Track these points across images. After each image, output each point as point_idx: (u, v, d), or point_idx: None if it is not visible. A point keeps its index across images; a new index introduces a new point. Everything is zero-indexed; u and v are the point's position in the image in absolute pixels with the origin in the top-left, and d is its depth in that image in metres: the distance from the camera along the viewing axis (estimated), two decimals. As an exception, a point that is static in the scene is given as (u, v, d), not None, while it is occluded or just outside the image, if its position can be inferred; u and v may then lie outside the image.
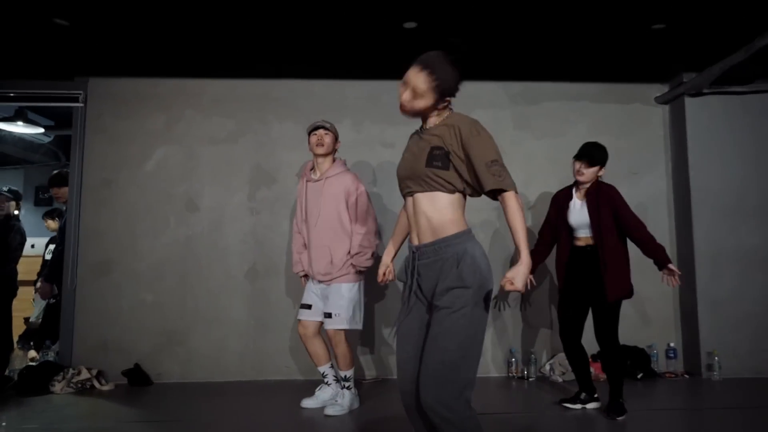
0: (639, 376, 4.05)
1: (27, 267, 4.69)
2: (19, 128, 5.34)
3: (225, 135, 4.37)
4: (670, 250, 4.41)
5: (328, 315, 3.20)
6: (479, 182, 1.79)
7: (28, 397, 3.63)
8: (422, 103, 1.86)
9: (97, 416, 3.28)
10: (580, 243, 3.23)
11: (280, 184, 4.33)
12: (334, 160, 3.36)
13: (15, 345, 4.88)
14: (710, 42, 3.85)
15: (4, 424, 3.08)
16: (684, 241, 4.33)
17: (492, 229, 4.38)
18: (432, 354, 1.72)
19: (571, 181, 3.46)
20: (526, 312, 4.26)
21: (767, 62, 3.72)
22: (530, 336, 4.32)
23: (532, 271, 3.34)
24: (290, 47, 4.05)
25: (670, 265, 3.06)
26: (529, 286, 3.31)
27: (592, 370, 3.97)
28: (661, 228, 4.43)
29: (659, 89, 4.54)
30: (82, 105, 4.30)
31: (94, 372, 3.92)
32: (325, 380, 3.36)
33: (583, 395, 3.27)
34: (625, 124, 4.52)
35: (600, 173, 3.23)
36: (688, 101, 4.29)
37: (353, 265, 3.21)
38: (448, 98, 1.90)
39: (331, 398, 3.30)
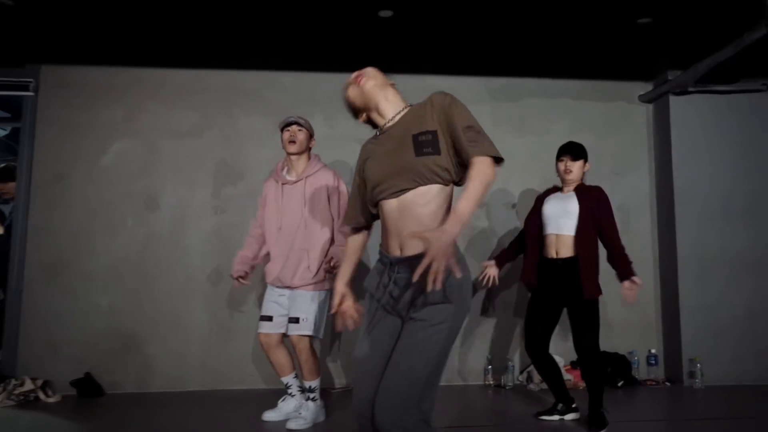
0: (619, 384, 3.91)
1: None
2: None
3: (188, 128, 4.12)
4: (652, 254, 4.29)
5: (295, 320, 3.00)
6: (463, 153, 1.59)
7: (-36, 411, 3.35)
8: (372, 80, 1.78)
9: (39, 432, 3.02)
10: (548, 251, 3.02)
11: (246, 181, 4.10)
12: (309, 158, 3.16)
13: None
14: (697, 37, 3.71)
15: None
16: (666, 244, 4.19)
17: (476, 229, 4.20)
18: (396, 368, 1.56)
19: (552, 180, 3.29)
20: (497, 315, 4.11)
21: (757, 58, 3.59)
22: (507, 343, 4.15)
23: (499, 266, 3.17)
24: (259, 36, 3.84)
25: (635, 278, 2.89)
26: (491, 283, 3.14)
27: (570, 377, 3.84)
28: (643, 230, 4.31)
29: (643, 87, 4.41)
30: (32, 94, 4.01)
31: (40, 382, 3.64)
32: (289, 391, 3.16)
33: (560, 406, 3.09)
34: (608, 123, 4.38)
35: (585, 169, 3.13)
36: (673, 100, 4.16)
37: (329, 270, 3.02)
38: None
39: (295, 410, 3.10)
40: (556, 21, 3.62)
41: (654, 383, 4.00)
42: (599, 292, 2.96)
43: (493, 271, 3.14)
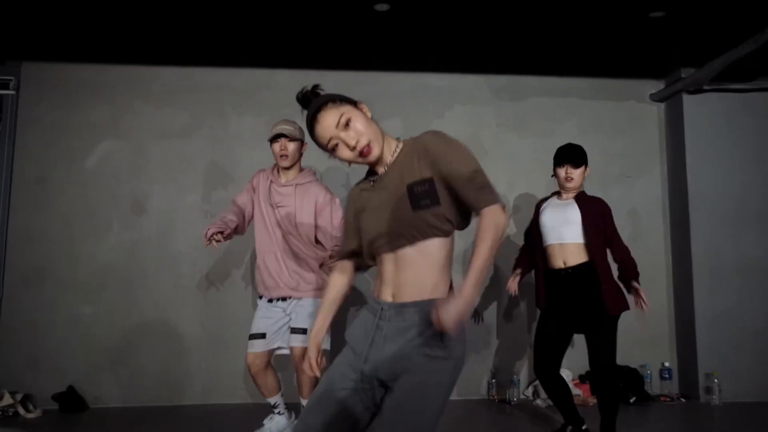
0: (632, 400, 3.69)
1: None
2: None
3: (177, 129, 3.95)
4: (665, 261, 4.09)
5: (301, 330, 2.81)
6: (466, 202, 1.43)
7: (-63, 428, 3.17)
8: (362, 124, 1.48)
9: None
10: (555, 262, 2.81)
11: (237, 184, 3.88)
12: (301, 169, 2.96)
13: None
14: (713, 32, 3.52)
15: None
16: (680, 251, 3.98)
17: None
18: (400, 427, 1.40)
19: (556, 185, 3.03)
20: (502, 326, 3.92)
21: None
22: (512, 356, 3.94)
23: (521, 278, 3.06)
24: (252, 32, 3.71)
25: (635, 284, 2.76)
26: (514, 293, 3.04)
27: (579, 392, 3.63)
28: (656, 237, 4.10)
29: (654, 85, 4.20)
30: (13, 92, 3.84)
31: (19, 396, 3.47)
32: (276, 410, 2.97)
33: (569, 429, 2.87)
34: (618, 123, 4.18)
35: (586, 174, 2.91)
36: (686, 99, 3.96)
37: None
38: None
39: (284, 429, 2.92)
40: (562, 15, 3.44)
41: (668, 399, 3.78)
42: (626, 305, 2.76)
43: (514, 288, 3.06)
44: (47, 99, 3.86)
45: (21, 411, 3.42)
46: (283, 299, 2.89)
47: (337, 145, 1.48)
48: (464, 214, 1.49)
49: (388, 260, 1.49)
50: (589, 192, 4.02)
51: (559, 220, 2.82)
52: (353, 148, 1.46)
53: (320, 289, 2.85)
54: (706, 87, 3.86)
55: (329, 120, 1.47)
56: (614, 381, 2.76)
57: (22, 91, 3.85)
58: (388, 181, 1.51)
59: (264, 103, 4.00)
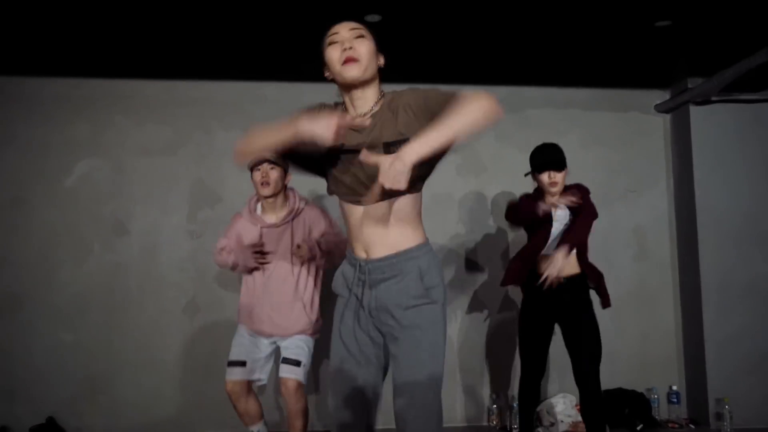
0: (639, 428, 3.52)
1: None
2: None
3: (161, 145, 3.78)
4: (672, 280, 3.94)
5: (295, 363, 2.72)
6: (443, 108, 1.43)
7: None
8: (369, 52, 1.56)
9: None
10: (544, 268, 2.69)
11: (225, 203, 3.74)
12: (286, 197, 2.80)
13: None
14: (722, 42, 3.35)
15: None
16: (688, 269, 3.82)
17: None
18: (417, 379, 1.50)
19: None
20: (501, 350, 3.77)
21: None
22: (512, 381, 3.77)
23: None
24: (238, 44, 3.57)
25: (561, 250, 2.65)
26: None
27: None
28: (662, 254, 3.95)
29: (660, 96, 4.04)
30: (-13, 109, 3.67)
31: (-5, 430, 3.30)
32: None
33: None
34: (622, 135, 4.01)
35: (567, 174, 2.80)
36: (694, 110, 3.79)
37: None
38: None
39: None
40: (564, 24, 3.29)
41: (677, 426, 3.62)
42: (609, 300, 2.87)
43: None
44: (23, 115, 3.70)
45: (-3, 446, 3.27)
46: (273, 336, 2.81)
47: (336, 42, 1.53)
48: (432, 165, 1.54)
49: (355, 212, 1.56)
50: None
51: (560, 231, 2.75)
52: (343, 50, 1.50)
53: (316, 329, 2.81)
54: (714, 98, 3.69)
55: (351, 25, 1.56)
56: (601, 393, 2.74)
57: (-4, 107, 3.69)
58: (366, 131, 1.51)
59: (252, 117, 3.81)
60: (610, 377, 3.77)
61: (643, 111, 4.04)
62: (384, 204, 1.51)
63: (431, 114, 1.45)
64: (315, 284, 2.81)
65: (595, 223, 3.73)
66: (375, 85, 1.58)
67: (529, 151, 3.93)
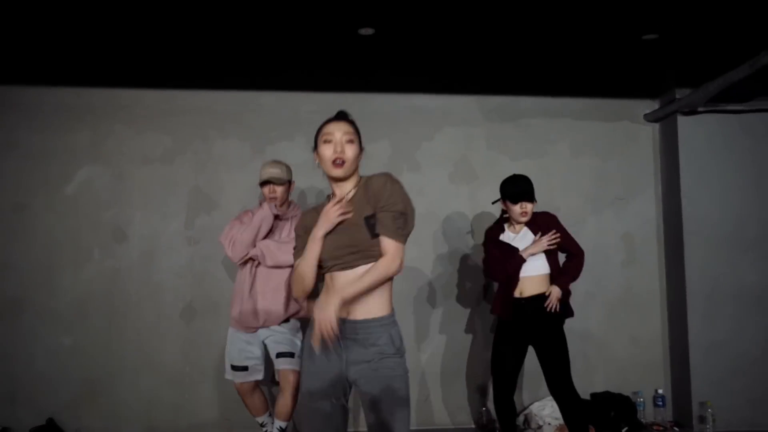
0: (624, 430, 3.61)
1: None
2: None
3: (160, 153, 3.85)
4: (659, 286, 4.02)
5: (288, 354, 3.00)
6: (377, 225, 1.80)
7: None
8: (354, 153, 1.86)
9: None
10: (510, 292, 2.95)
11: (222, 210, 3.81)
12: (288, 205, 3.15)
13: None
14: (708, 55, 3.43)
15: None
16: (674, 275, 3.90)
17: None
18: (389, 417, 1.77)
19: (548, 205, 3.20)
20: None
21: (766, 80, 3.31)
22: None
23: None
24: (236, 54, 3.64)
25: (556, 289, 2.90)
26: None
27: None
28: (650, 260, 4.02)
29: (649, 106, 4.10)
30: (-10, 117, 3.73)
31: (-3, 432, 3.38)
32: (264, 429, 3.17)
33: None
34: (611, 144, 4.08)
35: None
36: (681, 120, 3.86)
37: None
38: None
39: None
40: (554, 35, 3.35)
41: (661, 428, 3.70)
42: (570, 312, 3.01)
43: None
44: (25, 123, 3.76)
45: (-2, 447, 3.35)
46: (262, 327, 3.03)
47: (330, 141, 1.84)
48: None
49: (339, 278, 1.81)
50: (583, 215, 3.97)
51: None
52: (334, 152, 1.83)
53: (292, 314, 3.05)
54: (701, 108, 3.77)
55: (344, 128, 1.87)
56: (578, 399, 2.89)
57: (-1, 116, 3.76)
58: (351, 207, 1.83)
59: (249, 125, 3.91)
60: (597, 381, 3.89)
61: (633, 120, 4.11)
62: (365, 270, 1.80)
63: (374, 210, 1.82)
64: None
65: (586, 230, 3.84)
66: (354, 176, 1.90)
67: (522, 158, 4.03)
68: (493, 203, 3.12)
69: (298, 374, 2.93)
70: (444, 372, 3.86)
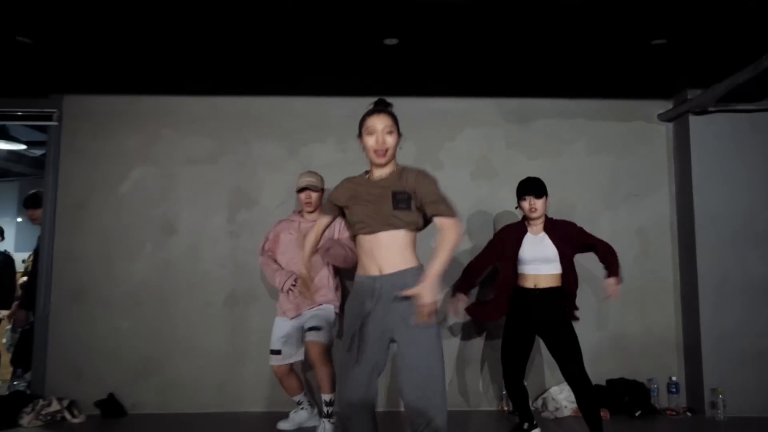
0: (637, 414, 3.81)
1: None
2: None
3: (204, 155, 4.21)
4: (673, 278, 4.17)
5: (315, 328, 3.32)
6: (429, 212, 2.16)
7: (-6, 432, 3.52)
8: (393, 141, 2.22)
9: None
10: (527, 284, 3.14)
11: (260, 206, 4.16)
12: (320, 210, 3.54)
13: None
14: (715, 58, 3.58)
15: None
16: (687, 268, 4.06)
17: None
18: (419, 372, 2.04)
19: (564, 203, 3.58)
20: None
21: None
22: (528, 370, 4.07)
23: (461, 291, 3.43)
24: (271, 63, 3.89)
25: (614, 280, 3.05)
26: (454, 314, 3.48)
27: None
28: (664, 254, 4.18)
29: (663, 106, 4.26)
30: (56, 123, 4.16)
31: (66, 403, 3.79)
32: (300, 406, 3.56)
33: (526, 425, 3.30)
34: (626, 143, 4.26)
35: (547, 203, 3.20)
36: (693, 119, 4.02)
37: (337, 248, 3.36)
38: None
39: (307, 421, 3.53)
40: (569, 42, 3.54)
41: (674, 413, 3.88)
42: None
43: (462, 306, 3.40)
44: (86, 129, 4.17)
45: (67, 416, 3.75)
46: (301, 314, 3.40)
47: (373, 134, 2.17)
48: (424, 223, 2.23)
49: (366, 240, 2.16)
50: (598, 210, 4.15)
51: (537, 256, 3.12)
52: (378, 143, 2.16)
53: (336, 299, 3.46)
54: (711, 108, 3.92)
55: (385, 122, 2.20)
56: (591, 386, 3.02)
57: (64, 122, 4.16)
58: (381, 186, 2.19)
59: (284, 128, 4.23)
60: (613, 368, 4.07)
61: (647, 120, 4.27)
62: (390, 234, 2.14)
63: (419, 204, 2.16)
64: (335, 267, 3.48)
65: (601, 225, 4.02)
66: (392, 162, 2.24)
67: (539, 157, 4.26)
68: (516, 208, 3.30)
69: (323, 346, 3.27)
70: (466, 357, 4.10)
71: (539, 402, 3.97)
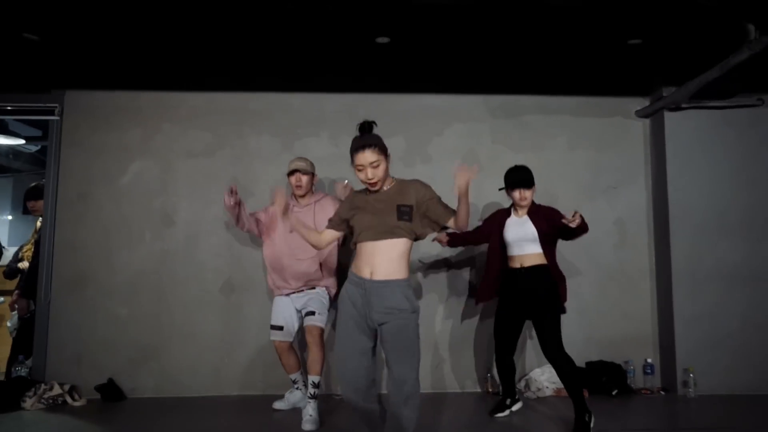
0: (614, 393, 4.02)
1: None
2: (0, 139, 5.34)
3: (202, 148, 4.35)
4: (649, 266, 4.39)
5: (311, 312, 3.48)
6: (439, 217, 2.45)
7: (-2, 414, 3.63)
8: (383, 170, 2.41)
9: (65, 435, 3.27)
10: (513, 264, 3.39)
11: (256, 198, 4.30)
12: (312, 192, 3.69)
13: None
14: (687, 57, 3.81)
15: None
16: (662, 257, 4.29)
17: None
18: (402, 361, 2.32)
19: (549, 194, 3.75)
20: None
21: (742, 79, 3.68)
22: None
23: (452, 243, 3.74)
24: (267, 60, 4.05)
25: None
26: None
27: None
28: (640, 243, 4.40)
29: (640, 103, 4.49)
30: (57, 118, 4.28)
31: (67, 387, 3.91)
32: (296, 385, 3.66)
33: (508, 401, 3.54)
34: (606, 138, 4.47)
35: (534, 191, 3.43)
36: (668, 115, 4.25)
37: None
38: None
39: (300, 401, 3.61)
40: (552, 42, 3.75)
41: (648, 392, 4.10)
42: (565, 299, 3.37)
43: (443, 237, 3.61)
44: (87, 123, 4.29)
45: (68, 400, 3.87)
46: (298, 291, 3.52)
47: (362, 170, 2.38)
48: (423, 232, 2.49)
49: (368, 246, 2.38)
50: (578, 202, 4.35)
51: (520, 236, 3.36)
52: (368, 178, 2.39)
53: (332, 284, 3.57)
54: (685, 105, 4.15)
55: (369, 158, 2.37)
56: (571, 363, 3.19)
57: (66, 117, 4.28)
58: (382, 199, 2.44)
59: (280, 123, 4.39)
60: (592, 352, 4.27)
61: (625, 116, 4.49)
62: (391, 242, 2.37)
63: (423, 213, 2.44)
64: (329, 249, 3.53)
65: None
66: (389, 179, 2.48)
67: (523, 152, 4.46)
68: (499, 190, 3.57)
69: (321, 330, 3.45)
70: (453, 342, 4.29)
71: (522, 383, 4.15)
